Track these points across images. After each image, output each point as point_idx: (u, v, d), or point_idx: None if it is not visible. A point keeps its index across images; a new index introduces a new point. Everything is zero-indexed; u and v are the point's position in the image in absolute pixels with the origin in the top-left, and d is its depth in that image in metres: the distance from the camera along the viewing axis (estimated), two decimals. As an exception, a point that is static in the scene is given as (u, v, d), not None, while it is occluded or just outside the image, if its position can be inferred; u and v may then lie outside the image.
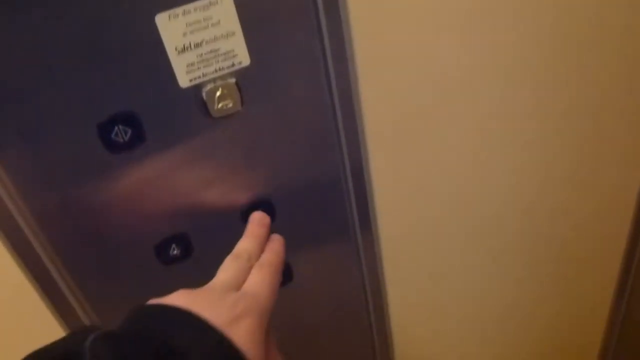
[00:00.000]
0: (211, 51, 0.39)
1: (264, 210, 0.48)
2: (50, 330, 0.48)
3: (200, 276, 0.48)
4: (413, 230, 0.61)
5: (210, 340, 0.31)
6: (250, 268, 0.40)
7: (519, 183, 0.63)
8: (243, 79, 0.41)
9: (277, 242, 0.44)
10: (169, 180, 0.43)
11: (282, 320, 0.58)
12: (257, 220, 0.45)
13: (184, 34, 0.38)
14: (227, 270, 0.40)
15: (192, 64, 0.39)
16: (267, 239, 0.45)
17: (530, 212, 0.67)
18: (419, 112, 0.52)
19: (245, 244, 0.43)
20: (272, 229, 0.49)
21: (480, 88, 0.53)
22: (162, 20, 0.37)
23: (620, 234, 0.78)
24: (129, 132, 0.40)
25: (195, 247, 0.46)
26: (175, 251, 0.45)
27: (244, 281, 0.39)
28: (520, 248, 0.70)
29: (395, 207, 0.57)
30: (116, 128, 0.39)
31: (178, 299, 0.34)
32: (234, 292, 0.37)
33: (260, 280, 0.39)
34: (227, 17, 0.38)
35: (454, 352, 0.79)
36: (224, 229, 0.47)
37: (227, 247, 0.48)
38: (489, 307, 0.75)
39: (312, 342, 0.63)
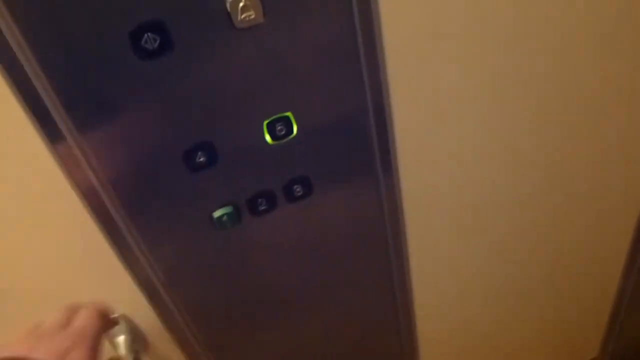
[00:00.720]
0: (235, -39, 0.40)
1: (284, 125, 0.51)
2: (85, 230, 0.52)
3: (224, 182, 0.51)
4: (432, 158, 0.63)
5: None
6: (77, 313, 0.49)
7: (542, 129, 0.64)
8: (266, -9, 0.43)
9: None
10: (195, 88, 0.45)
11: (301, 235, 0.62)
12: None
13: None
14: (56, 315, 0.48)
15: (217, -26, 0.41)
16: None
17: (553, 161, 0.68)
18: (441, 41, 0.52)
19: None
20: (293, 142, 0.52)
21: (507, 17, 0.53)
22: None
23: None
24: (158, 39, 0.42)
25: (220, 155, 0.49)
26: (201, 158, 0.48)
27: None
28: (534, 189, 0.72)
29: (415, 135, 0.59)
30: (146, 36, 0.41)
31: (17, 344, 0.43)
32: (63, 330, 0.46)
33: (87, 316, 0.48)
34: None
35: (467, 278, 0.82)
36: (247, 139, 0.50)
37: (249, 157, 0.51)
38: (502, 241, 0.78)
39: (329, 259, 0.66)
